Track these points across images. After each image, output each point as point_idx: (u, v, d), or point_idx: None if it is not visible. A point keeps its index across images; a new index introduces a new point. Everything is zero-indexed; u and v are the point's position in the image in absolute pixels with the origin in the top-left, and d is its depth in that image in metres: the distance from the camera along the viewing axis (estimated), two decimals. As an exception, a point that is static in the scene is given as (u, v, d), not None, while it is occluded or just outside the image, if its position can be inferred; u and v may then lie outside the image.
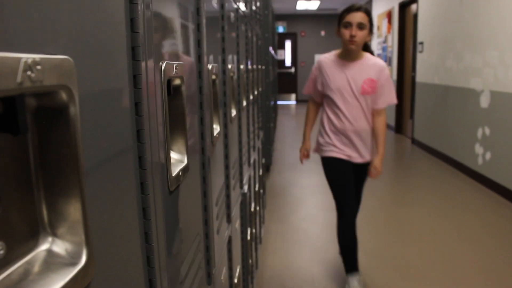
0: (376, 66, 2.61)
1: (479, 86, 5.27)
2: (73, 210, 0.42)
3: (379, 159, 2.65)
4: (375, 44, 10.52)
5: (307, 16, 14.96)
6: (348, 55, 2.60)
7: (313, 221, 4.07)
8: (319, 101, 2.80)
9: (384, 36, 9.84)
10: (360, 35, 2.50)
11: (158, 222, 0.65)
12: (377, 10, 10.45)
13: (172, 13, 0.79)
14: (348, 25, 2.51)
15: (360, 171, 2.73)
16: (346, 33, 2.52)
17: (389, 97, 2.66)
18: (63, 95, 0.39)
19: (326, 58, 2.70)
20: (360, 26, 2.49)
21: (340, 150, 2.64)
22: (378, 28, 10.28)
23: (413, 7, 8.12)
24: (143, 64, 0.59)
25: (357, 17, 2.49)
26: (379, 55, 9.96)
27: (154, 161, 0.64)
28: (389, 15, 9.32)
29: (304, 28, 15.15)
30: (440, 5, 6.57)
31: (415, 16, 7.77)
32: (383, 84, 2.62)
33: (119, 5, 0.55)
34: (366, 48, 2.70)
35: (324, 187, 5.33)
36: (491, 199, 4.65)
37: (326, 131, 2.69)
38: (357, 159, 2.66)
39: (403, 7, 8.68)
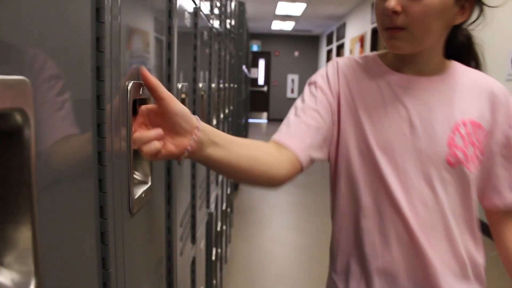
0: (486, 90, 1.00)
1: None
2: (23, 238, 0.40)
3: None
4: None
5: (281, 36, 15.13)
6: (408, 62, 0.99)
7: (279, 242, 4.05)
8: (307, 165, 0.97)
9: (356, 60, 10.03)
10: (416, 9, 0.87)
11: (117, 247, 0.62)
12: (350, 34, 10.66)
13: (142, 31, 0.78)
14: None
15: None
16: (378, 4, 0.92)
17: None
18: (17, 118, 0.37)
19: (355, 62, 1.05)
20: None
21: None
22: (351, 51, 10.48)
23: (385, 32, 8.31)
24: (107, 84, 0.57)
25: None
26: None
27: (116, 184, 0.62)
28: (362, 39, 9.51)
29: (278, 47, 15.31)
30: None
31: (386, 41, 7.95)
32: None
33: (84, 23, 0.53)
34: (460, 51, 1.05)
35: (292, 207, 5.34)
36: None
37: (336, 267, 1.06)
38: None
39: (375, 32, 8.88)
